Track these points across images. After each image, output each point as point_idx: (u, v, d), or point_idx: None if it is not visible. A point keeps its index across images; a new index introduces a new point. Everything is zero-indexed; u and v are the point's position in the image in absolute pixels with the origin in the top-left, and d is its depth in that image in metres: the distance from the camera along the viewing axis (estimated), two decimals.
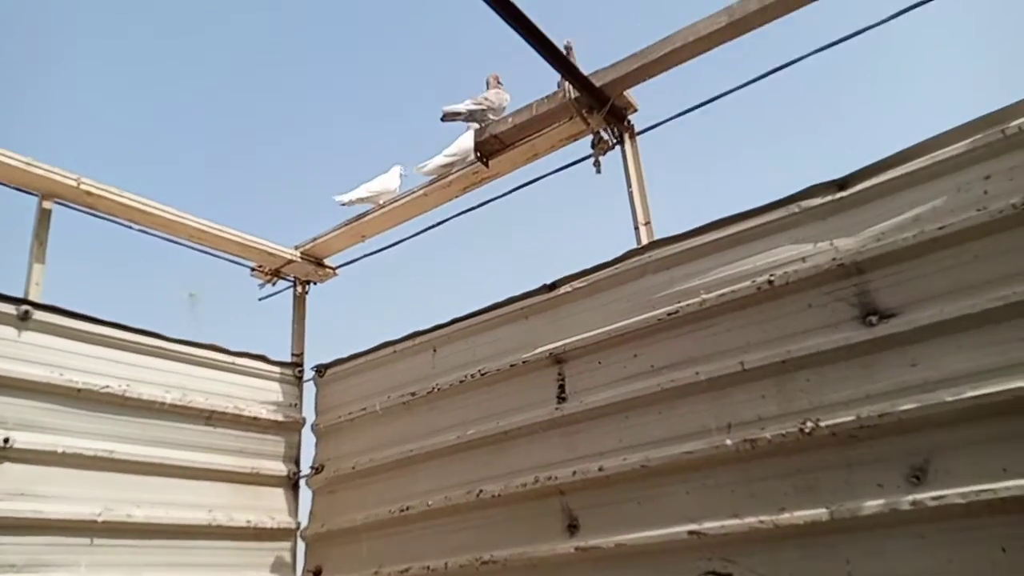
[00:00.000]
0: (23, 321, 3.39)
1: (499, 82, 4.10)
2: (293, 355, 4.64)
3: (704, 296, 2.96)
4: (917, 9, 2.93)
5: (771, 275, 2.81)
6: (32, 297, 3.52)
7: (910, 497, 2.30)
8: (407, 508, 3.61)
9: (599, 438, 3.08)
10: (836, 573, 2.40)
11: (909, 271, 2.53)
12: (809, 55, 3.23)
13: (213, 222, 4.32)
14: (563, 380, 3.31)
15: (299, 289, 4.87)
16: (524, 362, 3.44)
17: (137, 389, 3.66)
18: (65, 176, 3.69)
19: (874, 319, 2.55)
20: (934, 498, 2.25)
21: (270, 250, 4.57)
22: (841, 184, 2.80)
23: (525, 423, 3.33)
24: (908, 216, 2.58)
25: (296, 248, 4.71)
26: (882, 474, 2.40)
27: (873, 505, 2.36)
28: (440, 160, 4.13)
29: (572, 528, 3.06)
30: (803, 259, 2.78)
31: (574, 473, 3.08)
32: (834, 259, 2.68)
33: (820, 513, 2.45)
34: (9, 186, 3.63)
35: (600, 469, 3.00)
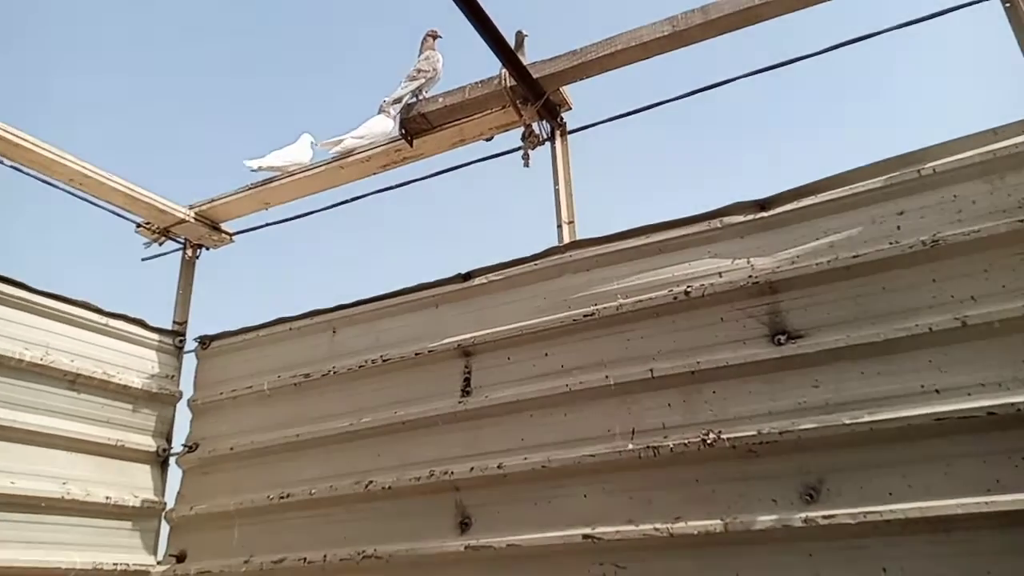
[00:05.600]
0: None
1: (435, 38, 3.91)
2: (175, 323, 4.29)
3: (621, 301, 2.94)
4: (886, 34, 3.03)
5: (688, 286, 2.83)
6: None
7: (802, 514, 2.35)
8: (287, 495, 3.39)
9: (501, 435, 2.99)
10: None
11: (820, 295, 2.60)
12: (740, 77, 3.30)
13: (98, 167, 3.93)
14: (469, 373, 3.21)
15: (189, 253, 4.51)
16: (430, 352, 3.31)
17: None
18: None
19: (782, 338, 2.60)
20: (825, 517, 2.31)
21: (160, 206, 4.21)
22: (763, 204, 2.85)
23: (425, 415, 3.19)
24: (824, 242, 2.66)
25: (190, 208, 4.36)
26: (777, 490, 2.44)
27: (766, 520, 2.40)
28: (349, 142, 3.95)
29: (464, 525, 2.95)
30: (720, 274, 2.81)
31: (472, 469, 2.97)
32: (750, 276, 2.72)
33: (715, 524, 2.47)
34: None
35: (499, 467, 2.91)
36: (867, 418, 2.33)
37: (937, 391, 2.28)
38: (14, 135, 3.56)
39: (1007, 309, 2.26)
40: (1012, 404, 2.15)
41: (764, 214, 2.83)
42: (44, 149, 3.69)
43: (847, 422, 2.36)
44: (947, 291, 2.39)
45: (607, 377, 2.84)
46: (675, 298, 2.84)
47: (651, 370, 2.77)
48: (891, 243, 2.52)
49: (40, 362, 3.43)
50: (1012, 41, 2.79)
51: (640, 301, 2.90)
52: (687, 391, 2.71)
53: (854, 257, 2.55)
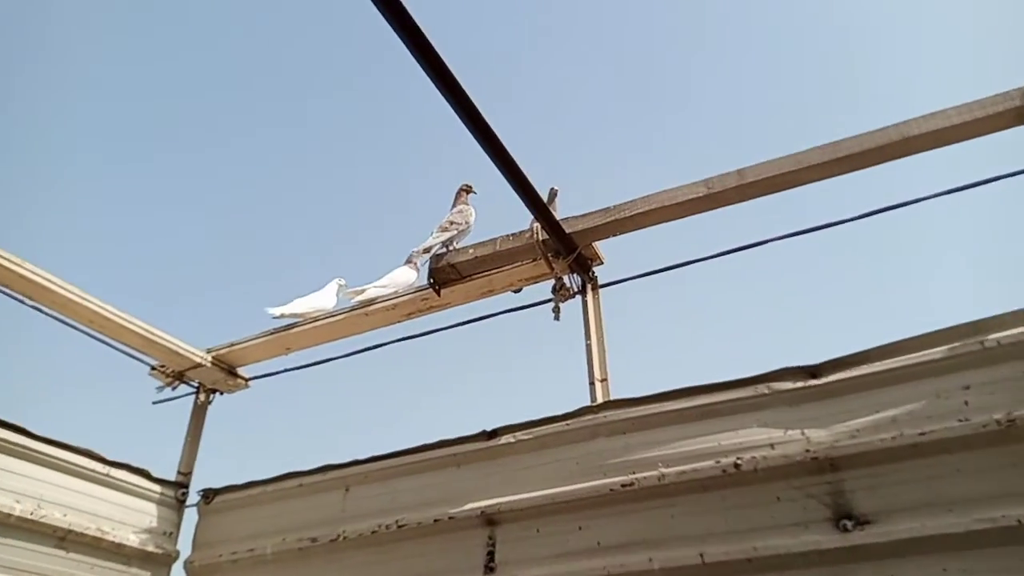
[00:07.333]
0: None
1: (469, 192, 3.96)
2: (179, 473, 4.04)
3: (663, 470, 2.71)
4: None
5: (738, 458, 2.61)
6: None
7: None
8: None
9: None
10: None
11: (887, 475, 2.37)
12: (782, 237, 3.25)
13: (118, 309, 3.87)
14: (493, 546, 2.93)
15: (202, 397, 4.34)
16: (451, 518, 3.04)
17: None
18: None
19: (849, 524, 2.35)
20: None
21: (178, 349, 4.10)
22: (812, 372, 2.69)
23: None
24: (884, 416, 2.46)
25: (208, 351, 4.25)
26: None
27: None
28: (372, 291, 3.92)
29: None
30: (772, 445, 2.60)
31: None
32: (807, 450, 2.51)
33: None
34: None
35: None
36: None
37: None
38: (42, 276, 3.52)
39: None
40: None
41: (815, 381, 2.66)
42: (67, 290, 3.64)
43: None
44: None
45: (651, 560, 2.56)
46: (724, 471, 2.61)
47: (702, 554, 2.49)
48: (960, 420, 2.32)
49: (30, 516, 3.18)
50: None
51: (684, 472, 2.67)
52: None
53: (920, 434, 2.35)
